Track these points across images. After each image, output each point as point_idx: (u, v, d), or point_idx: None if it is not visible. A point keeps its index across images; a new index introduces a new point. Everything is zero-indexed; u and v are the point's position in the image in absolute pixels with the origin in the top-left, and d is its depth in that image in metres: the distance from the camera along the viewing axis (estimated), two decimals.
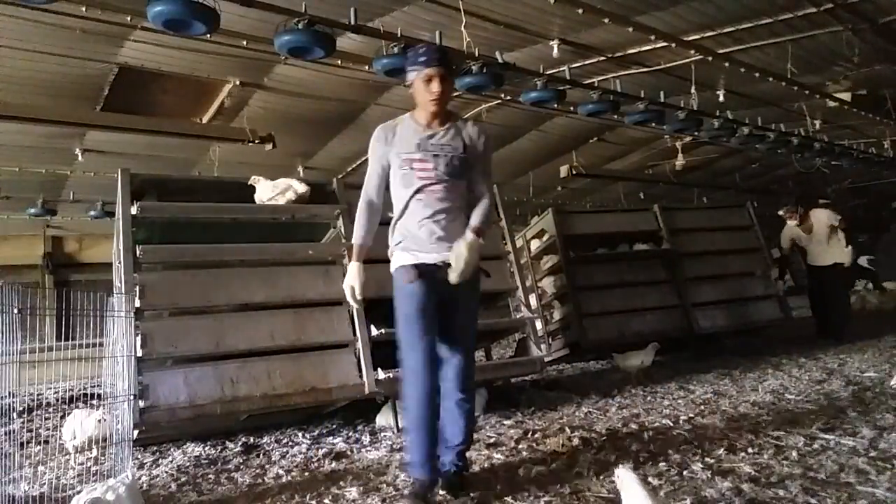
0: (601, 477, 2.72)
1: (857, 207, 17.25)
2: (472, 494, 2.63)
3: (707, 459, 2.85)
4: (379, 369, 3.81)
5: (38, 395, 4.92)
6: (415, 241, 2.68)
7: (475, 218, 2.67)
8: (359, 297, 2.72)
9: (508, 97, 6.88)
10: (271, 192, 4.12)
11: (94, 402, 3.85)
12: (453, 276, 2.54)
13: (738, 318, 6.52)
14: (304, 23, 4.25)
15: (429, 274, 2.62)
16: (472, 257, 2.55)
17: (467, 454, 2.82)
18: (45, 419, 4.64)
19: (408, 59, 2.72)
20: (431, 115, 2.65)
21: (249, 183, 4.21)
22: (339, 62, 5.39)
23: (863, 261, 13.96)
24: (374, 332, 3.88)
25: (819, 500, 2.31)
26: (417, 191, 2.64)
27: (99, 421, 3.39)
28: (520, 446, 3.36)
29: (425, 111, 2.66)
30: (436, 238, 2.64)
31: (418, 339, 2.57)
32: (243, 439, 4.04)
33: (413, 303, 2.60)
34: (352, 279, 2.72)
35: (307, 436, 4.04)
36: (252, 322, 3.75)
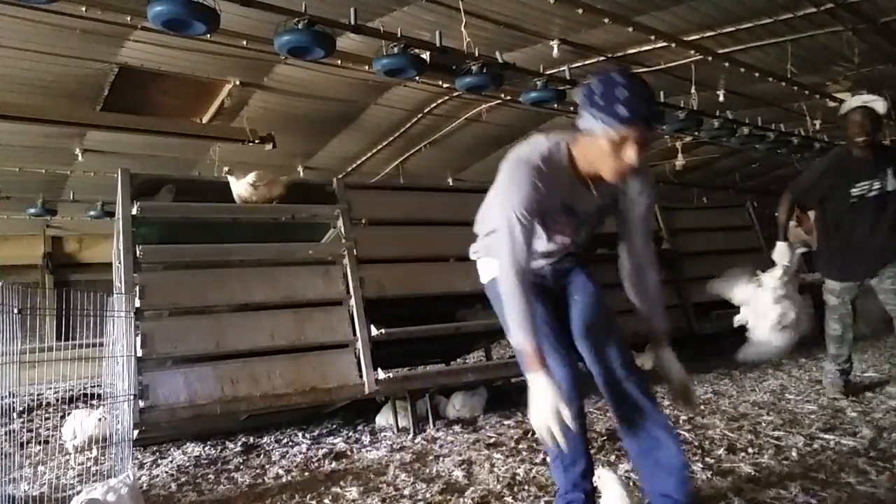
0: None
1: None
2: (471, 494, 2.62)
3: (707, 459, 2.85)
4: (379, 369, 3.81)
5: (38, 395, 4.92)
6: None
7: (658, 320, 2.14)
8: (567, 422, 1.75)
9: (508, 97, 6.87)
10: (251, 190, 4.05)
11: (94, 402, 3.85)
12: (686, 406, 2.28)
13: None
14: (304, 23, 4.25)
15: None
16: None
17: None
18: (45, 419, 4.64)
19: (593, 99, 1.77)
20: (598, 179, 1.93)
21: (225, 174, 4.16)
22: (339, 62, 5.39)
23: None
24: (374, 332, 3.88)
25: (819, 500, 2.31)
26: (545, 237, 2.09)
27: (99, 419, 3.39)
28: (520, 446, 3.36)
29: (594, 172, 1.91)
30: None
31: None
32: (243, 439, 4.04)
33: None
34: (549, 402, 1.76)
35: (307, 436, 4.04)
36: (252, 322, 3.75)
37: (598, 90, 1.77)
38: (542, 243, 2.08)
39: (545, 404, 1.75)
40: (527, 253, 1.86)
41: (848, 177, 3.74)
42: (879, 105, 3.64)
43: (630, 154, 1.78)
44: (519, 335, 1.85)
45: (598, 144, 1.80)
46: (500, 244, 1.89)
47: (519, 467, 2.96)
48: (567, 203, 1.98)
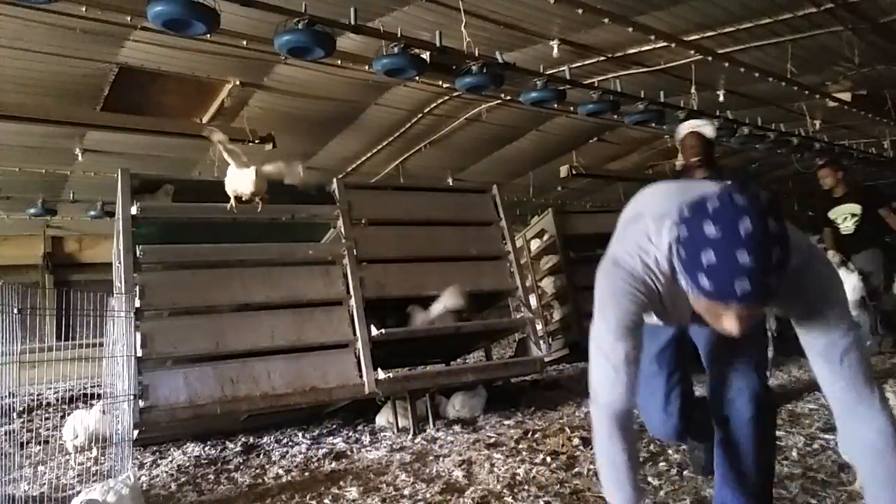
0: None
1: None
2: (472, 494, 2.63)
3: None
4: (379, 369, 3.82)
5: (38, 395, 4.92)
6: None
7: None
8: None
9: (508, 97, 6.87)
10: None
11: (94, 402, 3.85)
12: None
13: None
14: (304, 23, 4.24)
15: None
16: None
17: None
18: (45, 419, 4.63)
19: (678, 241, 1.28)
20: None
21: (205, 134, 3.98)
22: (339, 62, 5.39)
23: None
24: (374, 332, 3.88)
25: (819, 500, 2.31)
26: None
27: (102, 412, 3.39)
28: (520, 446, 3.36)
29: None
30: None
31: None
32: (243, 439, 4.04)
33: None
34: None
35: (307, 436, 4.04)
36: (252, 322, 3.75)
37: (684, 231, 1.25)
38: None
39: None
40: (628, 390, 1.47)
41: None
42: (708, 129, 3.74)
43: (728, 325, 1.27)
44: (606, 487, 1.52)
45: (698, 306, 1.31)
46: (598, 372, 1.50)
47: (519, 467, 2.96)
48: (681, 320, 1.62)
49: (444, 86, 6.37)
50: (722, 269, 1.17)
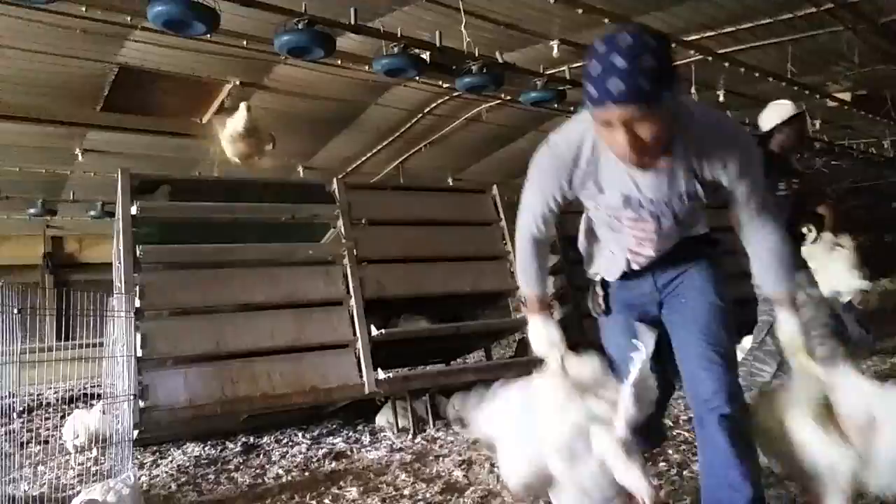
0: None
1: (857, 207, 17.23)
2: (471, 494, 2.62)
3: None
4: (379, 369, 3.81)
5: (38, 395, 4.92)
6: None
7: (779, 280, 1.89)
8: (561, 354, 1.85)
9: (508, 97, 6.87)
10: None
11: (95, 402, 3.85)
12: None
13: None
14: (304, 23, 4.24)
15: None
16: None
17: None
18: (45, 419, 4.63)
19: (584, 78, 1.50)
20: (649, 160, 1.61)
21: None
22: (339, 62, 5.39)
23: None
24: (374, 332, 3.88)
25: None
26: (615, 225, 1.86)
27: (101, 412, 3.39)
28: None
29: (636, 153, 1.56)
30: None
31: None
32: (243, 439, 4.04)
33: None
34: (542, 338, 1.91)
35: (307, 436, 4.04)
36: (252, 322, 3.75)
37: (587, 62, 1.49)
38: (620, 249, 1.90)
39: (538, 340, 1.91)
40: (535, 221, 1.91)
41: None
42: (789, 107, 3.60)
43: (619, 140, 1.48)
44: (521, 282, 2.04)
45: (597, 129, 1.56)
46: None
47: None
48: (625, 193, 1.72)
49: (444, 86, 6.37)
50: (599, 73, 1.42)
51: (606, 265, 2.00)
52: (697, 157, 1.66)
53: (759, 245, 1.86)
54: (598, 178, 1.72)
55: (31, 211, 9.26)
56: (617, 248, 1.93)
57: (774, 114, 3.57)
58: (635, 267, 1.92)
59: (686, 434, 3.31)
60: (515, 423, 1.85)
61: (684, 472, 2.70)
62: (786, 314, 1.87)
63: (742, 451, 1.79)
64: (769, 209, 1.82)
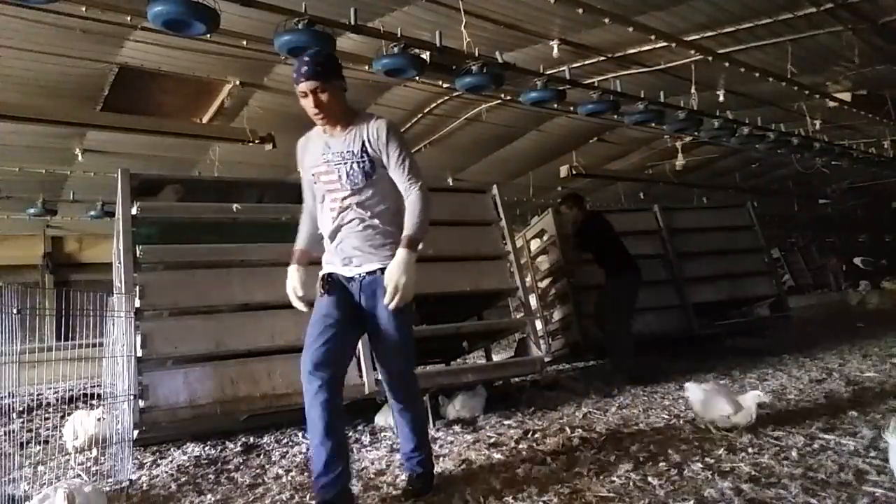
0: (601, 477, 2.72)
1: (857, 207, 17.25)
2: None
3: (707, 459, 2.85)
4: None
5: (38, 395, 4.91)
6: (329, 253, 2.67)
7: (405, 227, 2.49)
8: (300, 295, 2.63)
9: (508, 97, 6.88)
10: None
11: (95, 402, 3.85)
12: (387, 300, 2.43)
13: (739, 317, 6.54)
14: (304, 23, 4.25)
15: (339, 285, 2.59)
16: (404, 277, 2.41)
17: (431, 458, 2.81)
18: (45, 419, 4.64)
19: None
20: (327, 126, 2.57)
21: None
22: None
23: (857, 261, 13.97)
24: None
25: (819, 500, 2.31)
26: (327, 201, 2.62)
27: (98, 419, 3.39)
28: (520, 446, 3.36)
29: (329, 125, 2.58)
30: (344, 252, 2.59)
31: (307, 345, 2.52)
32: (243, 439, 4.03)
33: (317, 310, 2.57)
34: (289, 284, 2.68)
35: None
36: (252, 322, 3.75)
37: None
38: (319, 191, 2.67)
39: (287, 284, 2.67)
40: (310, 197, 2.79)
41: None
42: None
43: (307, 103, 2.51)
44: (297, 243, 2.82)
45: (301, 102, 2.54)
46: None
47: (519, 467, 2.96)
48: (321, 153, 2.60)
49: (444, 86, 6.37)
50: (296, 66, 2.51)
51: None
52: (368, 134, 2.55)
53: (407, 207, 2.53)
54: (311, 147, 2.69)
55: (31, 211, 9.26)
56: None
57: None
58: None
59: (686, 434, 3.31)
60: None
61: (684, 472, 2.70)
62: (400, 253, 2.44)
63: (413, 411, 2.80)
64: (414, 183, 2.53)
